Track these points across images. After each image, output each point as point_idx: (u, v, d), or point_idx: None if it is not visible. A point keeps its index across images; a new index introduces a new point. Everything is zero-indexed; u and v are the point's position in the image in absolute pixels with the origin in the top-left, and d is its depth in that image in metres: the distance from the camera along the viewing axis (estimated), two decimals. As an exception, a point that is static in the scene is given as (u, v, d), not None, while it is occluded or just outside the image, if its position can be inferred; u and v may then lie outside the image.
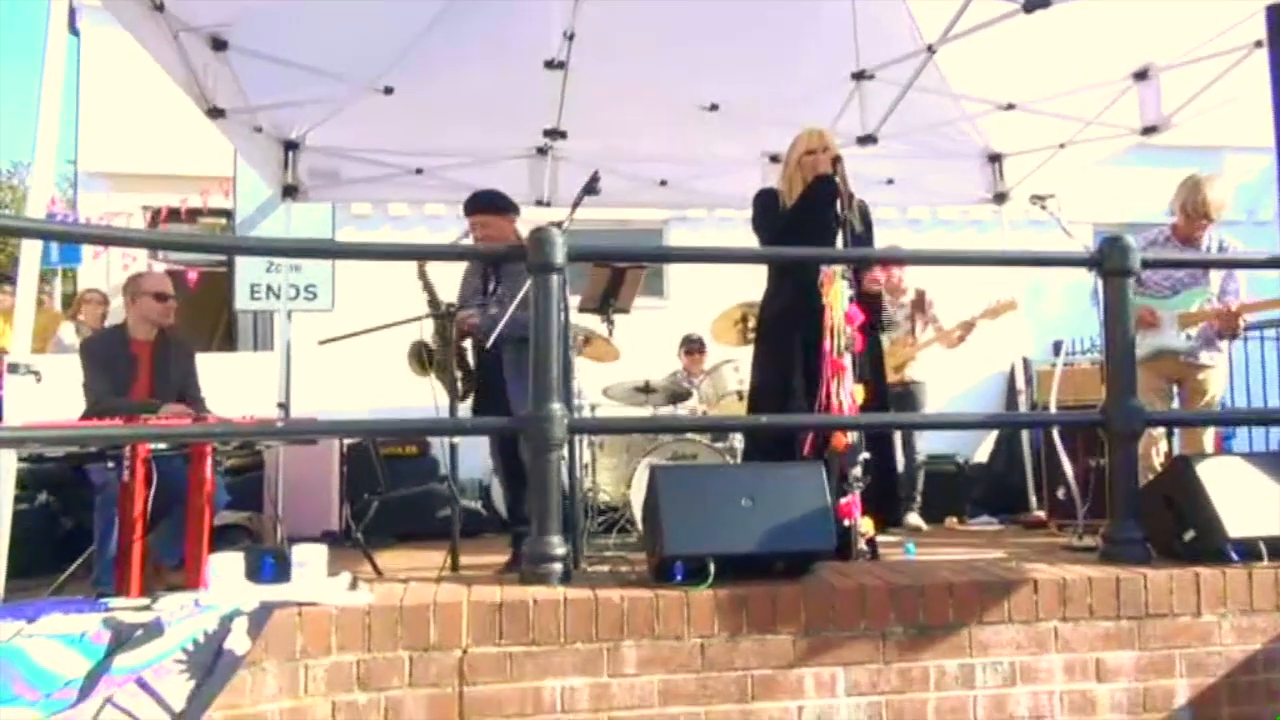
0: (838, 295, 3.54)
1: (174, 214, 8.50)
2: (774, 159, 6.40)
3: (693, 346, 6.72)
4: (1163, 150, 6.56)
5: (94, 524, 3.84)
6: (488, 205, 4.45)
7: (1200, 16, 4.77)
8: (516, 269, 3.99)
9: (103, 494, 3.79)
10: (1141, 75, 5.37)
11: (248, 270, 6.53)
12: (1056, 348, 7.41)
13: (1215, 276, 4.55)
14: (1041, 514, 5.98)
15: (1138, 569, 2.92)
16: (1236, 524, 3.01)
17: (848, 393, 3.51)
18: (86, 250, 8.23)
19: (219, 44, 4.59)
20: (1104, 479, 3.26)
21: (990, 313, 5.76)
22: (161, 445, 3.35)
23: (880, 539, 3.79)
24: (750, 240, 4.16)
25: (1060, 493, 5.55)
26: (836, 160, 3.84)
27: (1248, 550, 2.96)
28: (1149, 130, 5.54)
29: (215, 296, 7.82)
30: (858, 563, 3.34)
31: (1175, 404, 4.75)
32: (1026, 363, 7.35)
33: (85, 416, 3.88)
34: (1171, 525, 3.16)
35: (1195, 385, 4.62)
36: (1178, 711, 2.83)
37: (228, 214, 7.55)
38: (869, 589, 2.76)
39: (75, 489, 4.41)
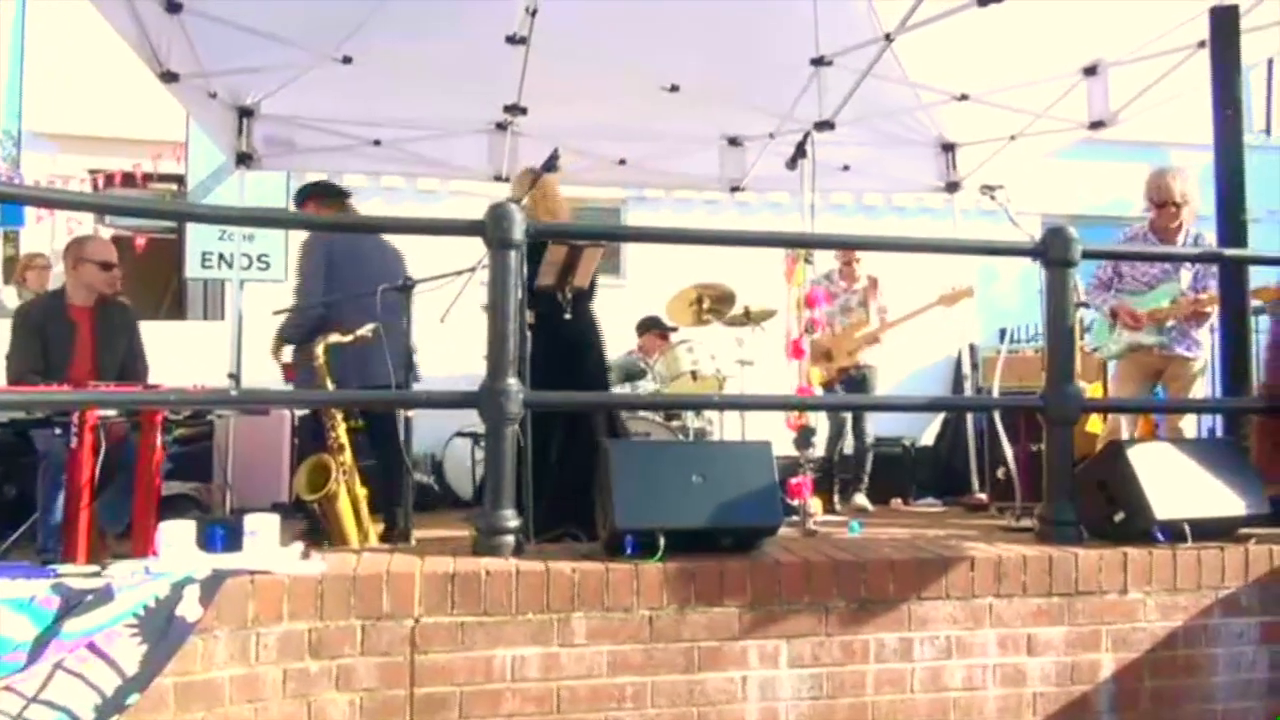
0: (800, 278, 3.62)
1: (127, 179, 8.30)
2: (733, 141, 6.46)
3: (665, 331, 6.60)
4: (1109, 145, 6.75)
5: (38, 491, 3.79)
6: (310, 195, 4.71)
7: (1148, 16, 4.90)
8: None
9: (47, 460, 3.74)
10: (1091, 71, 5.50)
11: (199, 238, 6.44)
12: (1003, 335, 7.58)
13: (1187, 270, 4.58)
14: (983, 496, 6.13)
15: (1070, 549, 3.04)
16: (1163, 507, 3.13)
17: (803, 374, 3.59)
18: (30, 213, 8.01)
19: (173, 6, 4.51)
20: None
21: (947, 299, 5.82)
22: (111, 412, 3.32)
23: (826, 518, 3.88)
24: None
25: (1000, 473, 5.72)
26: None
27: (1173, 532, 3.09)
28: (1096, 125, 5.68)
29: (163, 263, 7.68)
30: (803, 539, 3.42)
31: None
32: (973, 349, 7.51)
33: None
34: (1103, 507, 3.28)
35: (1171, 376, 4.70)
36: (1103, 684, 2.95)
37: (179, 179, 7.41)
38: (813, 564, 2.84)
39: (18, 456, 4.34)
